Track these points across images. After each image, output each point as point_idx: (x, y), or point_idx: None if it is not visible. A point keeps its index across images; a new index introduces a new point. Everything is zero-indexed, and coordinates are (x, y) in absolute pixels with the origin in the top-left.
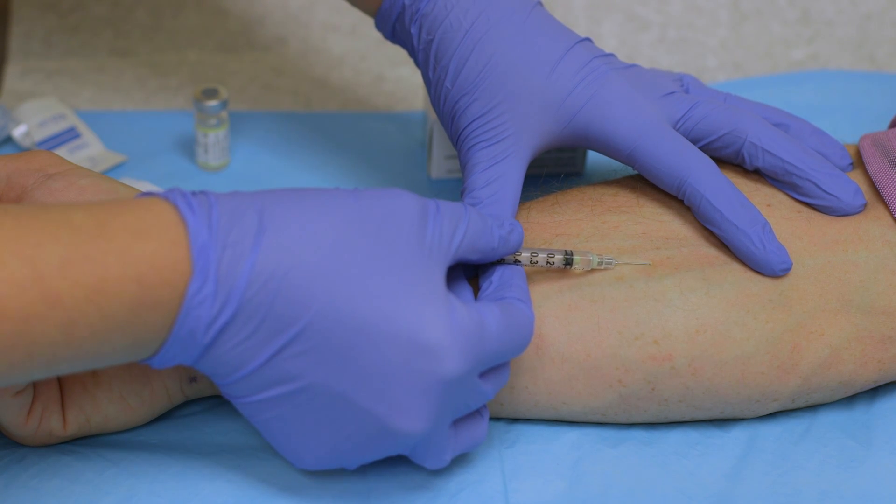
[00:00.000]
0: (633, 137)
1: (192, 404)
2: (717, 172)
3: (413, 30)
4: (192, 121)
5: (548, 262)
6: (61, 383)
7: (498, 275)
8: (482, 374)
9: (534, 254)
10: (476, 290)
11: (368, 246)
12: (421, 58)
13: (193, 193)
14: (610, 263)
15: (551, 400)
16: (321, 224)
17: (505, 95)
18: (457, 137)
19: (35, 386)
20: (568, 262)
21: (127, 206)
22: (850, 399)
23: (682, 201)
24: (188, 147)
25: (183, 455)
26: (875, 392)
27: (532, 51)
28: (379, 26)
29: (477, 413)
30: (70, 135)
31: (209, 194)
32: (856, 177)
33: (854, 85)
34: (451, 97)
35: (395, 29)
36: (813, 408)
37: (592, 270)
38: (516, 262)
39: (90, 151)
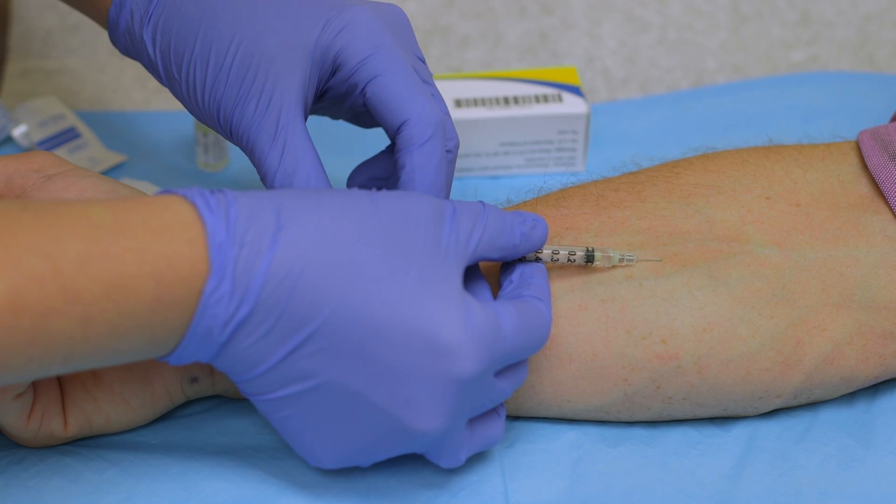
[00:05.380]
0: (374, 67)
1: (192, 404)
2: (433, 125)
3: (147, 36)
4: (192, 121)
5: (569, 260)
6: (62, 384)
7: (518, 273)
8: (499, 373)
9: (555, 251)
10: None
11: (384, 246)
12: (161, 64)
13: (212, 192)
14: (631, 260)
15: (556, 398)
16: (338, 224)
17: (257, 63)
18: (228, 129)
19: (35, 388)
20: (589, 258)
21: (146, 203)
22: (851, 398)
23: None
24: (188, 147)
25: (183, 455)
26: (875, 391)
27: (274, 10)
28: (112, 38)
29: (493, 412)
30: (70, 135)
31: (227, 193)
32: (856, 171)
33: (854, 86)
34: (206, 91)
35: (127, 39)
36: (813, 407)
37: (613, 267)
38: (537, 259)
39: (90, 151)
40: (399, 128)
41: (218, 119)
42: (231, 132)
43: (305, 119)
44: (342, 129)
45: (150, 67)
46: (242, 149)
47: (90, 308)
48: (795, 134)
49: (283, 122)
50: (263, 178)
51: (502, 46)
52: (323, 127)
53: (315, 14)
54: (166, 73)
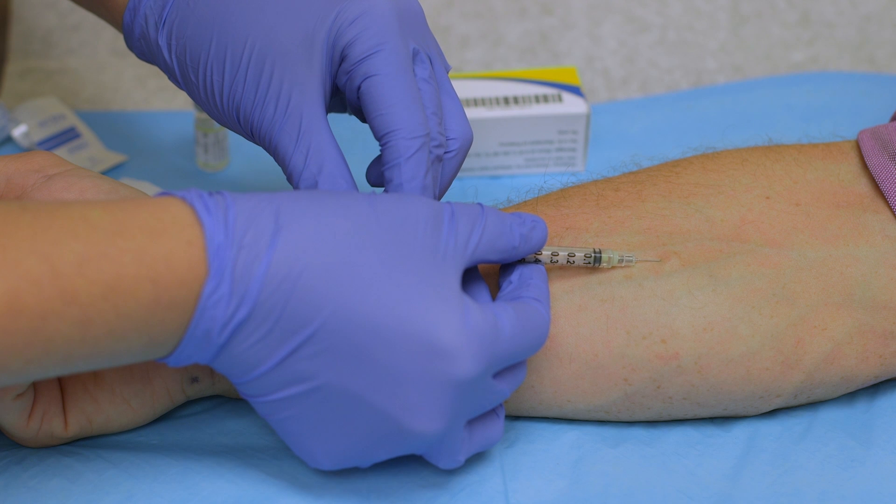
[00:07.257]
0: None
1: (192, 404)
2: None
3: (162, 41)
4: (192, 121)
5: (568, 261)
6: (62, 385)
7: (517, 274)
8: (497, 374)
9: (554, 252)
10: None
11: (383, 249)
12: (178, 68)
13: (210, 194)
14: (630, 261)
15: (556, 398)
16: (337, 226)
17: (272, 61)
18: (250, 131)
19: (36, 388)
20: (588, 259)
21: (144, 205)
22: (851, 398)
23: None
24: (188, 147)
25: (183, 455)
26: (875, 391)
27: (284, 7)
28: (128, 43)
29: (492, 412)
30: (70, 135)
31: (226, 195)
32: (856, 171)
33: (854, 86)
34: (225, 93)
35: (142, 44)
36: (813, 407)
37: (612, 268)
38: (536, 260)
39: (90, 151)
40: (385, 137)
41: (238, 121)
42: (253, 134)
43: (326, 112)
44: (344, 127)
45: (167, 72)
46: (266, 149)
47: (88, 310)
48: (795, 134)
49: (306, 122)
50: (289, 179)
51: (502, 46)
52: None
53: (326, 2)
54: (183, 78)
